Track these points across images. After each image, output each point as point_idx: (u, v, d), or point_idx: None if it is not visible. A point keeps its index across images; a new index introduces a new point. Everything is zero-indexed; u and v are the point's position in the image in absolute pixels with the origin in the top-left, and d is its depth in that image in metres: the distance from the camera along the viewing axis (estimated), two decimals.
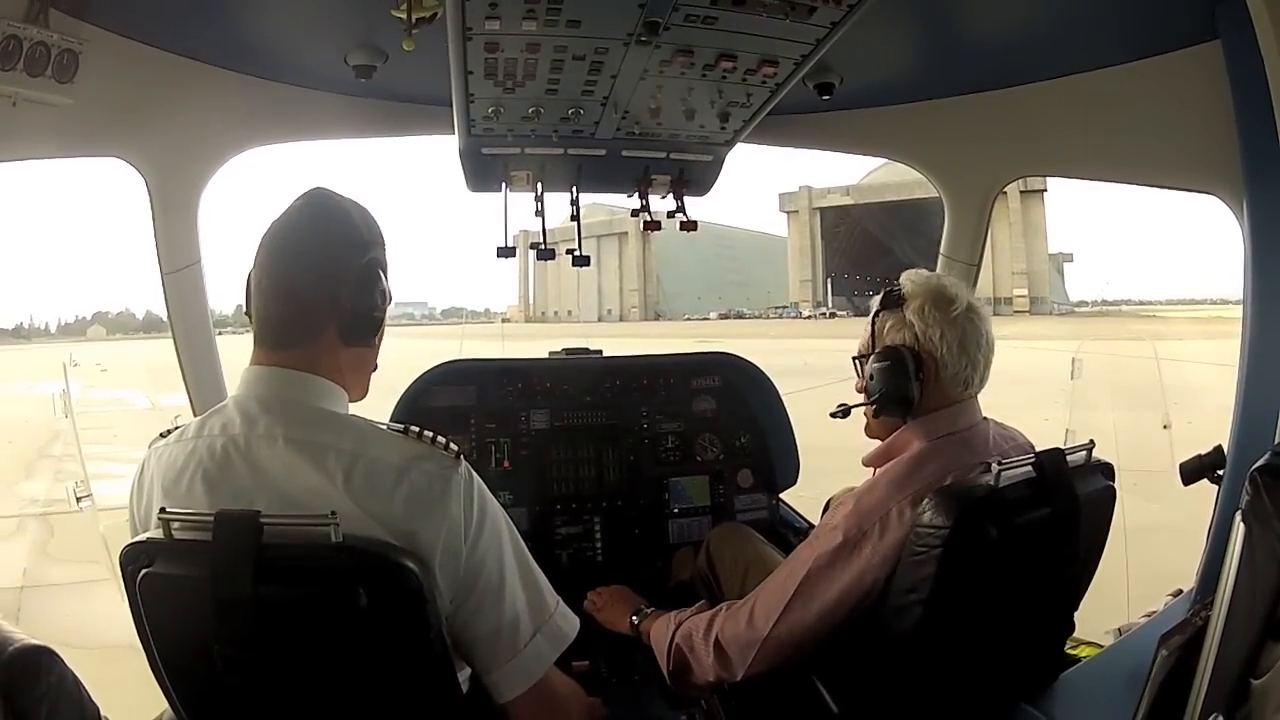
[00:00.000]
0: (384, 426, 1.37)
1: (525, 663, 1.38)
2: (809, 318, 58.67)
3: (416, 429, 1.35)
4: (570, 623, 1.46)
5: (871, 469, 1.82)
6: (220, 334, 2.43)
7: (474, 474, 1.35)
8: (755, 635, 1.68)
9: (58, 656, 1.10)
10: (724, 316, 77.04)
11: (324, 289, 1.35)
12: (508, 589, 1.37)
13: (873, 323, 1.80)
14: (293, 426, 1.31)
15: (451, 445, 1.35)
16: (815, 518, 2.73)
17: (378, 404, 1.61)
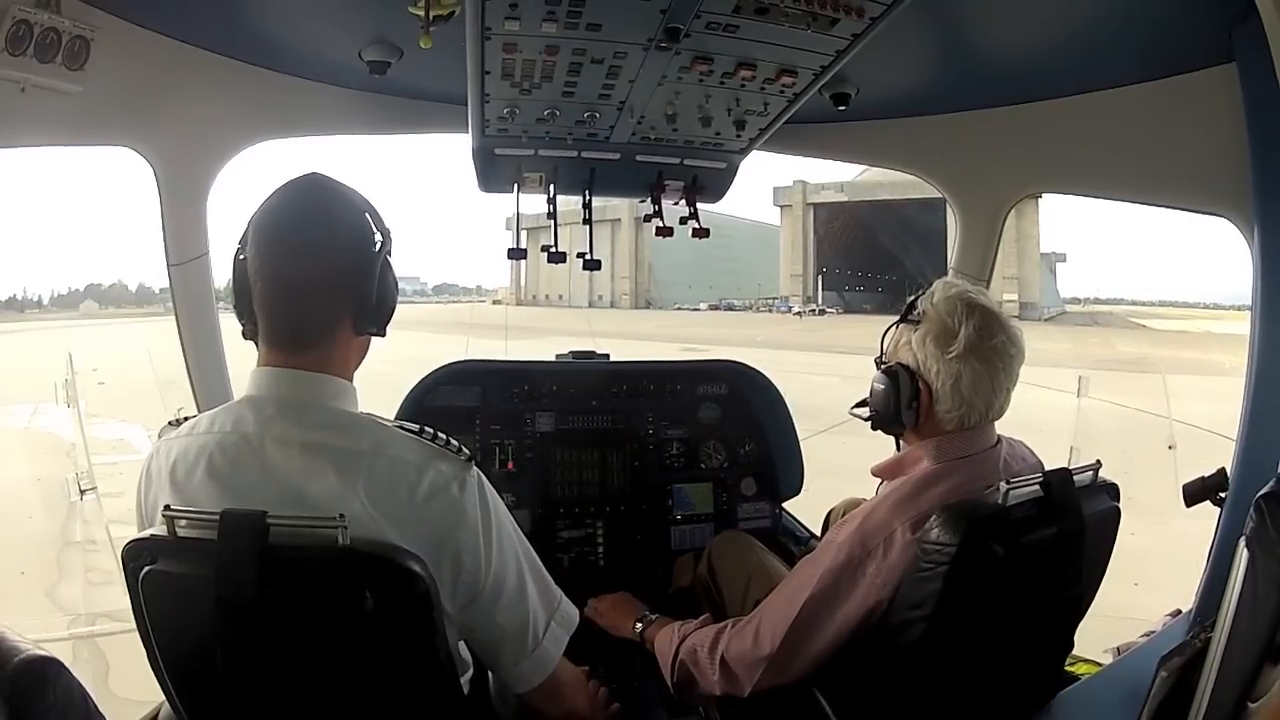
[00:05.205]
0: (397, 427, 1.37)
1: (545, 651, 1.46)
2: (798, 314, 58.42)
3: (430, 430, 1.36)
4: (572, 607, 1.54)
5: (879, 480, 1.83)
6: None
7: (483, 476, 1.38)
8: (760, 654, 1.69)
9: (64, 666, 1.08)
10: (714, 308, 76.72)
11: (340, 283, 1.35)
12: (527, 585, 1.42)
13: (887, 332, 1.81)
14: (309, 429, 1.31)
15: (463, 450, 1.36)
16: (817, 527, 2.75)
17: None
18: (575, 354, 3.02)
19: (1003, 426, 1.77)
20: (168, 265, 2.25)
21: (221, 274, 2.29)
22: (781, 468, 3.01)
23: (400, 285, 1.45)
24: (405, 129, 2.50)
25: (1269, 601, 1.23)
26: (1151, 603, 2.26)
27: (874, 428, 1.81)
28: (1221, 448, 1.90)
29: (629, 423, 2.96)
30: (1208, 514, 1.89)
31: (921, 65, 2.25)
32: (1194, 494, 1.86)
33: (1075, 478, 1.65)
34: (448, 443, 1.36)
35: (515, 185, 2.37)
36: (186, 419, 1.42)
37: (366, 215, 1.38)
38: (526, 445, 2.86)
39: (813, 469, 2.99)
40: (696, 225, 2.51)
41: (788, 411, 3.05)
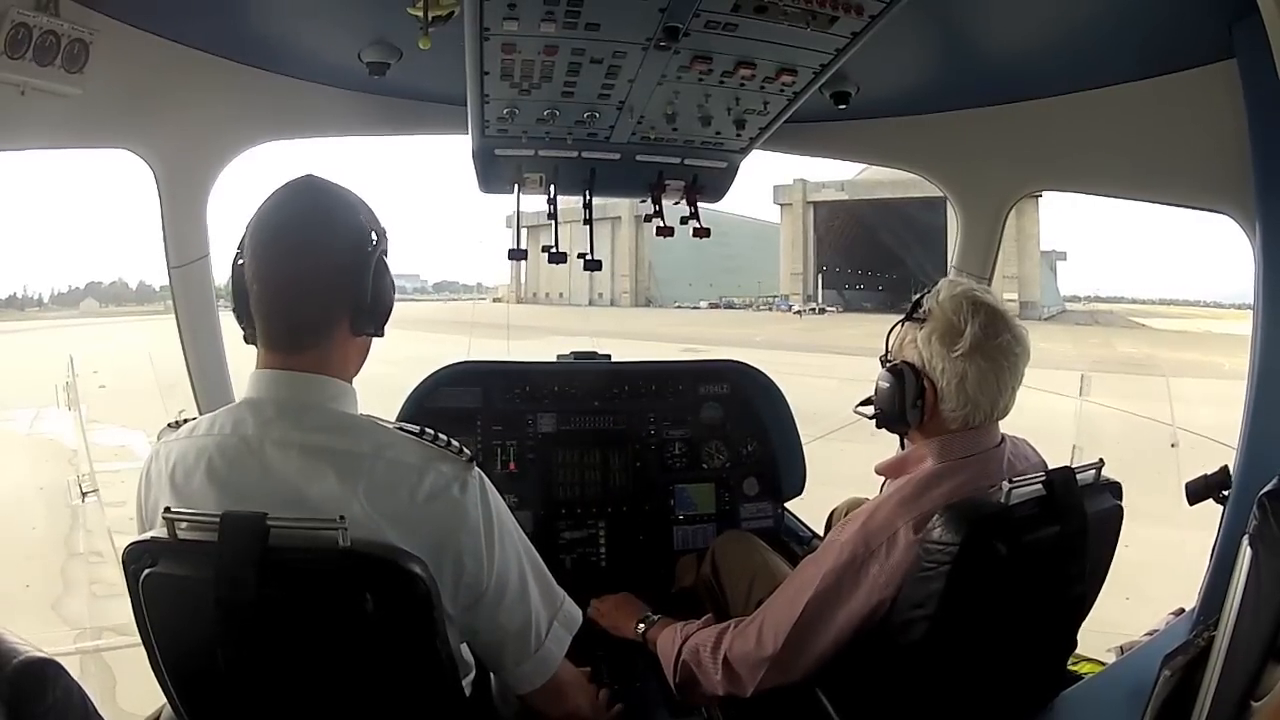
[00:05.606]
0: (397, 429, 1.37)
1: (547, 652, 1.46)
2: (798, 313, 58.34)
3: (431, 432, 1.37)
4: (575, 607, 1.53)
5: (882, 479, 1.83)
6: None
7: (485, 477, 1.38)
8: (763, 654, 1.69)
9: (63, 668, 1.08)
10: (714, 306, 76.65)
11: (338, 283, 1.34)
12: (529, 586, 1.42)
13: (893, 330, 1.80)
14: (309, 431, 1.31)
15: (464, 451, 1.36)
16: (819, 527, 2.75)
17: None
18: (577, 354, 3.01)
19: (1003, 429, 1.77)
20: (168, 267, 2.25)
21: (222, 275, 2.30)
22: (784, 467, 3.00)
23: (401, 283, 1.45)
24: (405, 130, 2.50)
25: (1272, 599, 1.23)
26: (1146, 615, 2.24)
27: (879, 426, 1.81)
28: (1227, 456, 1.89)
29: (631, 423, 2.95)
30: (1209, 525, 1.89)
31: (921, 63, 2.24)
32: (1197, 492, 1.85)
33: (1078, 476, 1.65)
34: (448, 444, 1.36)
35: (515, 186, 2.37)
36: (186, 421, 1.42)
37: (362, 215, 1.38)
38: (528, 446, 2.86)
39: (810, 477, 2.99)
40: (697, 225, 2.50)
41: (790, 411, 3.05)
